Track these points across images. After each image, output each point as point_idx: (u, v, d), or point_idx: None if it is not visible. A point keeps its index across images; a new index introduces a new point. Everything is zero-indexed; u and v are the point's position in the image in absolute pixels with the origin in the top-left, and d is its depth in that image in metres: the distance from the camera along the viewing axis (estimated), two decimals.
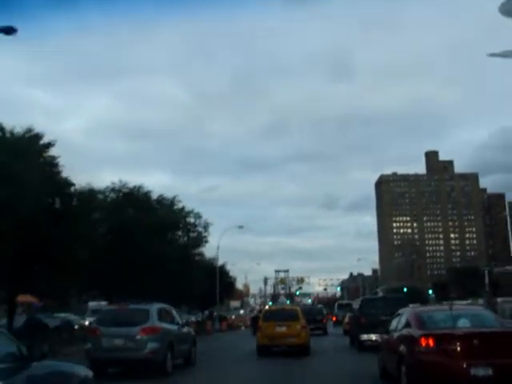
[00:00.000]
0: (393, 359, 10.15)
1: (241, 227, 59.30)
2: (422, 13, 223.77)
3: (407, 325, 9.98)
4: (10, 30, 17.20)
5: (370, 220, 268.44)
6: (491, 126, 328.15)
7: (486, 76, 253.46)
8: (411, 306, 15.57)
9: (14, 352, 5.39)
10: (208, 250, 51.22)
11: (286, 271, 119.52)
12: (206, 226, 40.62)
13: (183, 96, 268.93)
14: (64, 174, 25.15)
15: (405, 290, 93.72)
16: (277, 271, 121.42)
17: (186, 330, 16.63)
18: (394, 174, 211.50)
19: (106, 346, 13.55)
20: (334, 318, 49.21)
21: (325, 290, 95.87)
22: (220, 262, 59.11)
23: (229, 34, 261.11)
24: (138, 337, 13.50)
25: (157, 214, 33.83)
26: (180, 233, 39.12)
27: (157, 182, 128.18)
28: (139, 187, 33.51)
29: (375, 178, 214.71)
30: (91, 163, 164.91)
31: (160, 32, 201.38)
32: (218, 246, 54.05)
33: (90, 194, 27.65)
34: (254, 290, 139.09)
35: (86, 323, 37.70)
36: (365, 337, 19.90)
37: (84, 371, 6.83)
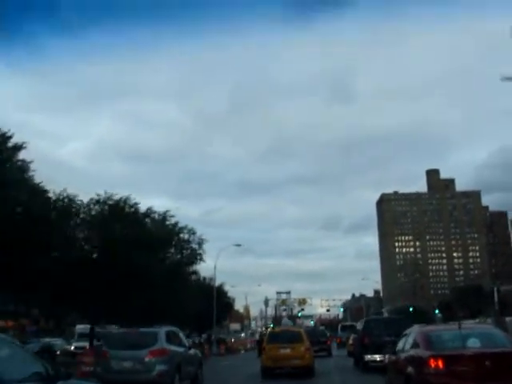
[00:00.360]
0: (400, 380, 9.79)
1: (238, 245, 58.02)
2: (422, 35, 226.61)
3: (415, 345, 9.65)
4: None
5: (371, 241, 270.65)
6: (491, 145, 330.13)
7: (485, 96, 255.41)
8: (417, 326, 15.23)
9: (42, 371, 5.53)
10: (205, 270, 50.49)
11: (288, 293, 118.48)
12: (200, 243, 38.36)
13: (183, 118, 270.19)
14: (37, 180, 24.01)
15: (411, 309, 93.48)
16: (278, 293, 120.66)
17: (192, 352, 16.83)
18: (396, 193, 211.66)
19: (115, 369, 13.67)
20: (339, 340, 48.88)
21: (327, 311, 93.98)
22: (218, 283, 57.85)
23: (228, 56, 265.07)
24: (147, 359, 13.62)
25: (146, 228, 32.39)
26: (173, 250, 37.34)
27: (158, 205, 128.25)
28: (126, 199, 31.70)
29: (376, 198, 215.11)
30: (92, 185, 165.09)
31: (159, 54, 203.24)
32: (215, 266, 52.78)
33: (64, 202, 26.45)
34: (254, 312, 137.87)
35: (72, 348, 35.21)
36: (369, 357, 19.72)
37: None
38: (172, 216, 35.78)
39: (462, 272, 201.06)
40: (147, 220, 33.73)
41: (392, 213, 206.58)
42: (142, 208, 33.36)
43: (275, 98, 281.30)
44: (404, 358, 9.94)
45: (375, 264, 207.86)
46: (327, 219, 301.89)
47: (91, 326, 31.03)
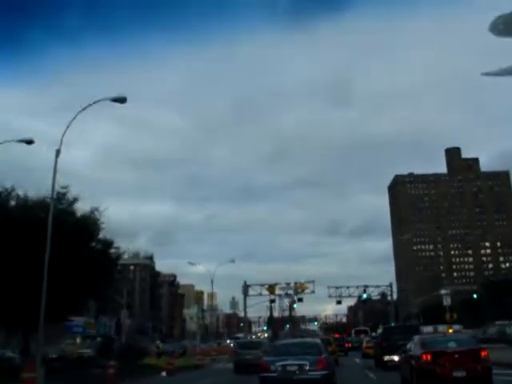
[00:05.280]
0: (407, 369, 19.00)
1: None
2: (419, 39, 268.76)
3: (416, 346, 18.83)
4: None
5: (376, 245, 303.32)
6: (492, 149, 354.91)
7: (484, 97, 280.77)
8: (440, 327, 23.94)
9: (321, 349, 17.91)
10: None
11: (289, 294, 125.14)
12: None
13: (185, 124, 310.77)
14: None
15: (474, 296, 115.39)
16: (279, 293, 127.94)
17: None
18: (411, 175, 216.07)
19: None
20: (348, 345, 59.97)
21: (338, 303, 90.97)
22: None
23: (229, 62, 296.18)
24: None
25: None
26: None
27: (160, 210, 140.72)
28: None
29: (378, 201, 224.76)
30: (94, 192, 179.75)
31: (160, 61, 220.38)
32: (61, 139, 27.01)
33: None
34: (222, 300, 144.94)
35: None
36: (387, 358, 29.00)
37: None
38: None
39: (490, 265, 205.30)
40: None
41: (407, 197, 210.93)
42: None
43: (276, 103, 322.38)
44: (409, 355, 19.13)
45: (379, 268, 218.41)
46: (330, 224, 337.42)
47: None
